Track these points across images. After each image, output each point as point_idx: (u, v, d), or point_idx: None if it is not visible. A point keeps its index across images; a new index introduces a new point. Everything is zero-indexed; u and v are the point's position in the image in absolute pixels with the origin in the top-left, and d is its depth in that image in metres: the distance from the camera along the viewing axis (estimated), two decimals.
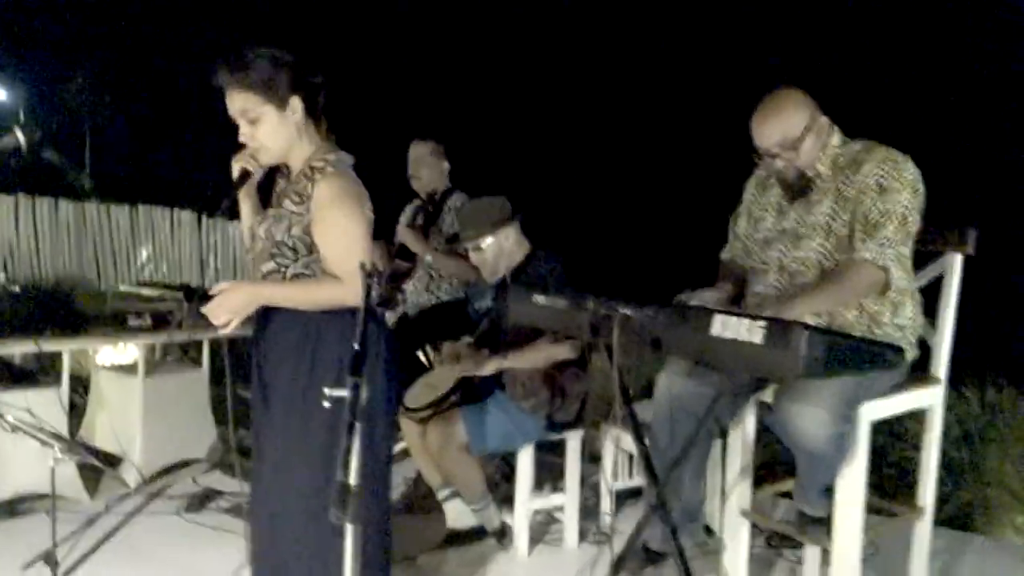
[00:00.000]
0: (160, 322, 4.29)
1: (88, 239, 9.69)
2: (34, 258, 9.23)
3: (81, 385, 4.83)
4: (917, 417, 3.00)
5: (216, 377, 4.60)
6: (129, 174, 10.96)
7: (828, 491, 2.58)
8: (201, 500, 3.75)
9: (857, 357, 2.05)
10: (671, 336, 2.22)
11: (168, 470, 4.16)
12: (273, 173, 2.34)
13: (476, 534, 3.25)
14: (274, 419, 2.25)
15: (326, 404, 1.56)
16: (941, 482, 4.36)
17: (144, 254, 9.91)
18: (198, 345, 4.65)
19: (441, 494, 3.26)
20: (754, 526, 3.33)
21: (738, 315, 2.08)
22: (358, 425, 1.50)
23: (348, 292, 2.09)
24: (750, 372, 2.25)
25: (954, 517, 4.06)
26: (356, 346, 1.56)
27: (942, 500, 4.33)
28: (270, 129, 2.18)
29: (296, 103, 2.18)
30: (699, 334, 2.13)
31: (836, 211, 2.55)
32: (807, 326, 1.96)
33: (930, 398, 2.73)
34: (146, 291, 4.56)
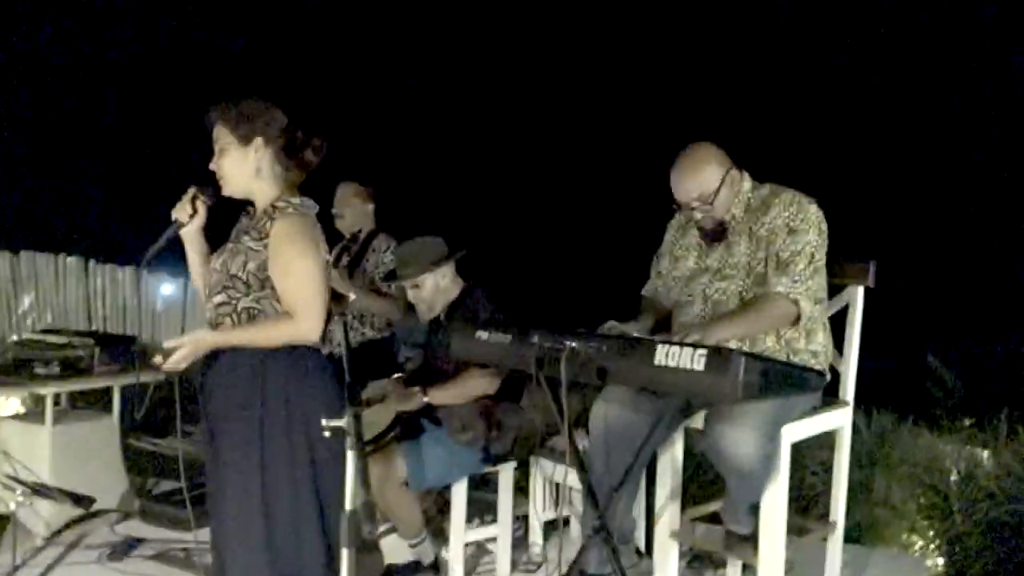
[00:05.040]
0: (68, 369, 4.19)
1: None
2: None
3: None
4: (813, 441, 3.24)
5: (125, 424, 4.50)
6: (8, 220, 10.53)
7: (753, 509, 2.77)
8: (124, 548, 3.66)
9: (787, 381, 2.25)
10: (617, 366, 2.38)
11: (78, 521, 4.03)
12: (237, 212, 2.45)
13: (412, 568, 3.29)
14: (227, 456, 2.31)
15: (326, 434, 1.63)
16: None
17: (27, 302, 9.48)
18: (106, 391, 4.54)
19: (378, 530, 3.30)
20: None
21: (680, 345, 2.26)
22: (351, 454, 1.58)
23: (300, 327, 2.24)
24: (693, 397, 2.42)
25: (847, 534, 4.36)
26: (348, 378, 1.64)
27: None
28: (230, 161, 2.35)
29: (259, 143, 2.31)
30: (644, 364, 2.30)
31: (752, 250, 2.79)
32: (744, 353, 2.15)
33: (840, 419, 2.97)
34: (52, 338, 4.43)
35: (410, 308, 3.87)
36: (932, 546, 4.33)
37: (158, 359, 2.22)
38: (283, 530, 2.28)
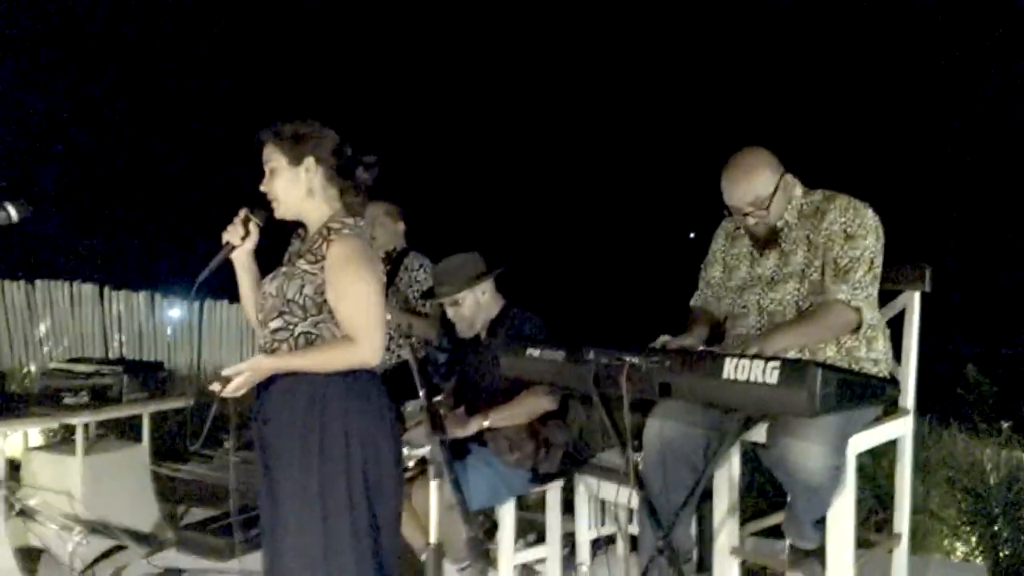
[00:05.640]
0: (98, 397, 4.13)
1: None
2: None
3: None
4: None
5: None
6: (24, 249, 10.51)
7: (819, 524, 2.68)
8: None
9: (862, 391, 2.16)
10: (680, 381, 2.29)
11: (109, 552, 3.94)
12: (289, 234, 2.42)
13: None
14: (284, 483, 2.26)
15: (410, 464, 1.56)
16: (873, 510, 4.59)
17: (43, 329, 9.43)
18: (133, 418, 4.47)
19: (425, 554, 3.21)
20: None
21: (750, 357, 2.17)
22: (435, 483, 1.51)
23: (360, 351, 2.19)
24: (764, 412, 2.34)
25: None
26: (425, 403, 1.57)
27: (877, 527, 4.55)
28: (282, 182, 2.31)
29: (311, 163, 2.27)
30: (711, 378, 2.21)
31: (809, 258, 2.72)
32: (819, 364, 2.06)
33: (903, 428, 2.88)
34: (78, 366, 4.37)
35: (443, 326, 3.80)
36: (976, 552, 4.24)
37: (216, 386, 2.17)
38: (340, 557, 2.22)
